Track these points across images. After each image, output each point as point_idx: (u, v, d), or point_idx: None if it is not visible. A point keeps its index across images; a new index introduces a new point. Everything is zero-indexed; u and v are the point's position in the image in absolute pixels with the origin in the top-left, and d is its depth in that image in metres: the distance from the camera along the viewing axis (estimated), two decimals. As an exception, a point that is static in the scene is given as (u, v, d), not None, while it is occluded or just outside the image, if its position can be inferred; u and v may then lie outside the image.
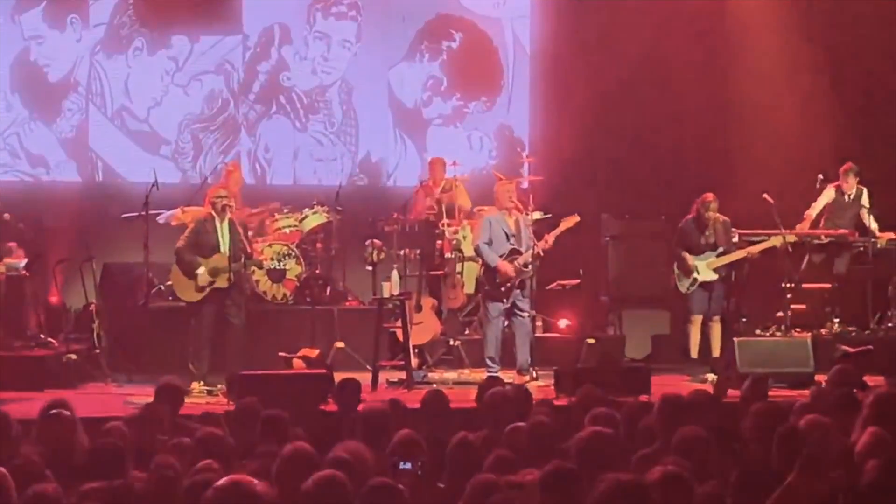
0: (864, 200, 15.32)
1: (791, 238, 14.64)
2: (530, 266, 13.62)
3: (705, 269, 14.27)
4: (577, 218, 13.83)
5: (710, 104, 17.15)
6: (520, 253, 13.60)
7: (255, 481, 5.82)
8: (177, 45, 17.15)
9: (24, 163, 16.79)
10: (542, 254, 13.69)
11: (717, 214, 14.35)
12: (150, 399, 9.53)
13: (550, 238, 13.68)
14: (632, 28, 16.86)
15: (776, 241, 14.45)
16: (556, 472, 6.09)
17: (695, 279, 14.27)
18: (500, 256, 13.59)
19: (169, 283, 13.98)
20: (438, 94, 17.78)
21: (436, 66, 17.77)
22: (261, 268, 14.41)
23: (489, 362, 13.56)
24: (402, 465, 7.12)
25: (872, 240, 15.15)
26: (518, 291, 13.65)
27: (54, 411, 7.90)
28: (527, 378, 13.33)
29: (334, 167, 17.44)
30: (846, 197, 15.29)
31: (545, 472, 6.10)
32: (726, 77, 17.21)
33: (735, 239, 14.54)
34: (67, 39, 16.88)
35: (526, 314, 13.72)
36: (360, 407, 9.32)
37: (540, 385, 13.07)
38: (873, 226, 15.23)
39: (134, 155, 16.97)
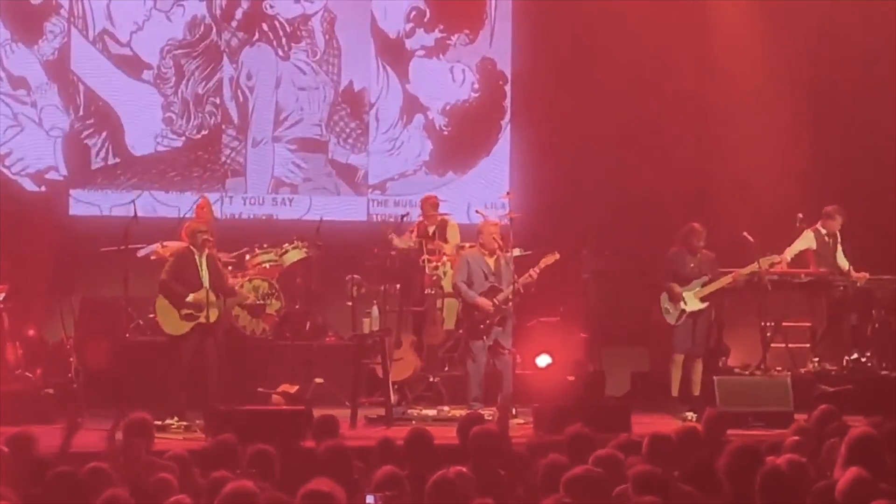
0: (839, 240, 15.36)
1: (771, 260, 14.58)
2: (510, 303, 13.64)
3: (692, 298, 14.25)
4: (556, 255, 13.87)
5: (690, 142, 17.21)
6: (499, 290, 13.62)
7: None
8: (159, -31, 17.22)
9: (6, 83, 16.76)
10: (521, 290, 13.71)
11: (703, 250, 14.37)
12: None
13: (535, 272, 13.70)
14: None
15: (762, 264, 14.36)
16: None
17: (682, 310, 14.24)
18: (480, 294, 13.61)
19: (151, 315, 13.93)
20: (421, 26, 17.80)
21: (419, -3, 17.87)
22: (243, 306, 14.41)
23: (473, 404, 13.49)
24: (368, 499, 7.05)
25: (851, 279, 15.16)
26: (500, 329, 13.67)
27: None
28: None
29: (317, 96, 17.51)
30: (828, 238, 15.28)
31: None
32: (707, 115, 17.26)
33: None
34: (48, -39, 16.89)
35: (506, 351, 13.73)
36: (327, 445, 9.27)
37: (520, 423, 13.03)
38: (848, 266, 15.24)
39: (116, 79, 17.01)
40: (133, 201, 15.72)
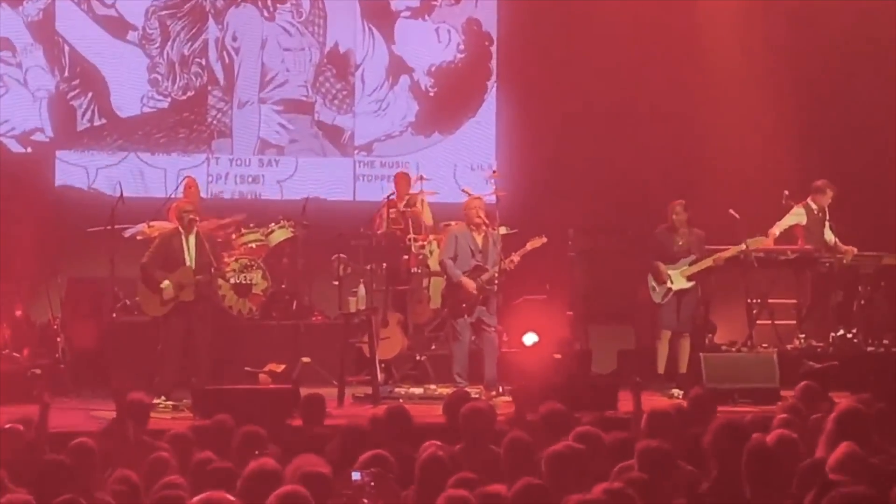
0: (827, 216, 15.39)
1: (759, 241, 14.61)
2: (495, 282, 13.64)
3: (678, 277, 14.28)
4: (543, 239, 13.87)
5: (678, 119, 17.21)
6: (484, 269, 13.62)
7: (230, 497, 5.82)
8: (143, -70, 17.15)
9: (-10, 46, 16.79)
10: (509, 269, 13.71)
11: (692, 228, 14.39)
12: (115, 414, 9.48)
13: (516, 257, 13.70)
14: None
15: (742, 248, 14.42)
16: (526, 488, 6.09)
17: (669, 289, 14.26)
18: (464, 273, 13.61)
19: (137, 298, 13.94)
20: (406, -14, 17.83)
21: (403, -43, 17.82)
22: (226, 280, 14.37)
23: (458, 378, 13.57)
24: (353, 477, 7.05)
25: (838, 255, 15.19)
26: (483, 308, 13.67)
27: (8, 426, 7.91)
28: (493, 393, 13.34)
29: (302, 57, 17.50)
30: (818, 213, 15.30)
31: (516, 489, 6.10)
32: (694, 92, 17.25)
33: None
34: (33, -79, 16.84)
35: (492, 329, 13.75)
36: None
37: (506, 400, 13.05)
38: (834, 240, 15.28)
39: (101, 40, 16.97)
40: (119, 182, 15.64)
